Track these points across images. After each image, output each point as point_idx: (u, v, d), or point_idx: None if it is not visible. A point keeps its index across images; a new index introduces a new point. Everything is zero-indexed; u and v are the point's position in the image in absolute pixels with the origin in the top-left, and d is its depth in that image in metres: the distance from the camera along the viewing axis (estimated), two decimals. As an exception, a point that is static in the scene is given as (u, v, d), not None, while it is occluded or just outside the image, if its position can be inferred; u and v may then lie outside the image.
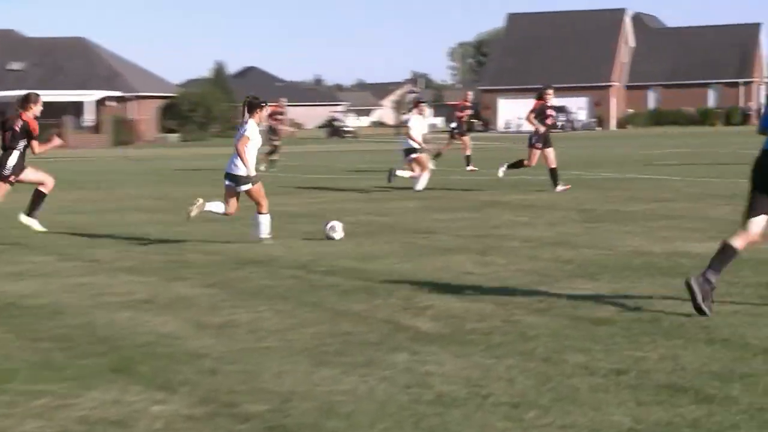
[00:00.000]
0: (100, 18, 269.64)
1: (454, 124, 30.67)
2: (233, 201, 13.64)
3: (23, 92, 15.14)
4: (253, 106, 13.64)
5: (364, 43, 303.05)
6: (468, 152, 29.42)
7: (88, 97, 75.32)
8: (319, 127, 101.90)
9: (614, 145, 50.46)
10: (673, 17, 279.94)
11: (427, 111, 22.92)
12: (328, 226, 13.84)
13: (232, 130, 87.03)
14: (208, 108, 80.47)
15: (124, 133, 73.46)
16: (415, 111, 22.68)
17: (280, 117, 32.66)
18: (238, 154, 13.33)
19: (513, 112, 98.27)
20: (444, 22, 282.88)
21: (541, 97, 21.36)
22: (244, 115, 13.66)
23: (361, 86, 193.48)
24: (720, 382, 6.24)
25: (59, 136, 15.73)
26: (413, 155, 21.89)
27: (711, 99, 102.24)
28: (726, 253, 8.27)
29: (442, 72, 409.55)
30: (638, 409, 5.75)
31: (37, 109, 14.08)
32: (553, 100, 21.54)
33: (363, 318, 8.48)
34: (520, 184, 23.29)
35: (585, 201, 18.69)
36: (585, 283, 9.87)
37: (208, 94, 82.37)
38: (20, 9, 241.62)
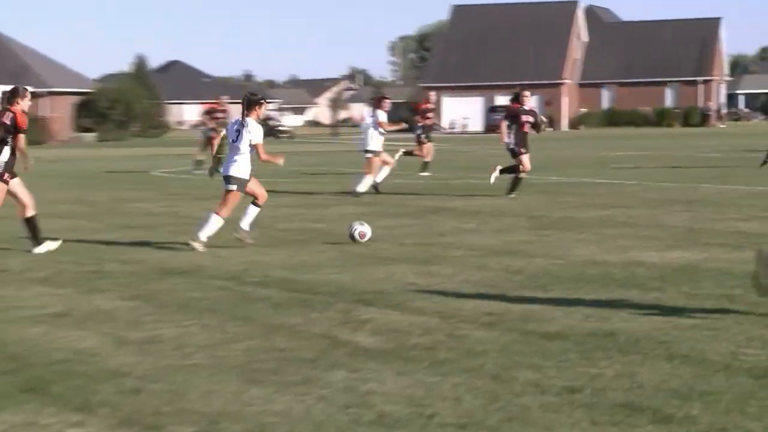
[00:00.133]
0: (8, 8, 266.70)
1: (419, 130, 30.47)
2: (259, 188, 13.89)
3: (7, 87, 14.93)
4: (251, 103, 13.85)
5: (298, 36, 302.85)
6: (428, 159, 29.61)
7: (-7, 92, 74.33)
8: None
9: (566, 147, 50.85)
10: (628, 11, 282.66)
11: (389, 106, 23.33)
12: (357, 232, 13.97)
13: (154, 129, 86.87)
14: (128, 105, 79.93)
15: (34, 132, 72.60)
16: (378, 107, 23.04)
17: (220, 116, 32.55)
18: (266, 161, 13.75)
19: (458, 111, 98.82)
20: (384, 15, 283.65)
21: (517, 99, 21.44)
22: (244, 114, 13.80)
23: (295, 82, 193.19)
24: (679, 401, 6.32)
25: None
26: (368, 155, 22.27)
27: (668, 98, 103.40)
28: None
29: (381, 68, 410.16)
30: (593, 430, 5.81)
31: (25, 104, 14.04)
32: (529, 103, 21.57)
33: (298, 333, 8.47)
34: (466, 188, 23.40)
35: (535, 207, 18.83)
36: (536, 294, 9.94)
37: (128, 90, 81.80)
38: None
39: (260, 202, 13.98)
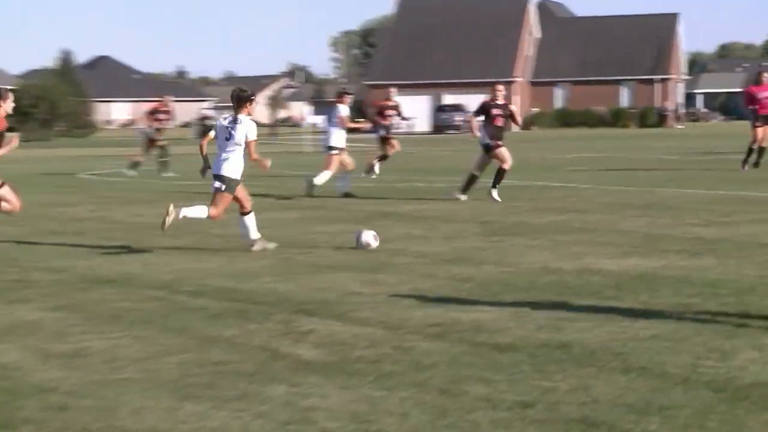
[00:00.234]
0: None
1: (382, 131, 30.35)
2: (242, 195, 14.02)
3: None
4: (242, 100, 14.02)
5: (235, 31, 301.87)
6: (387, 153, 29.69)
7: None
8: (185, 125, 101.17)
9: (518, 149, 50.95)
10: (582, 5, 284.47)
11: (350, 101, 23.60)
12: (363, 239, 14.10)
13: (81, 128, 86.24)
14: (52, 103, 79.36)
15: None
16: (339, 102, 23.39)
17: (163, 117, 32.46)
18: (255, 160, 13.84)
19: (404, 111, 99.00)
20: (326, 8, 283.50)
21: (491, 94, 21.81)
22: (235, 111, 14.02)
23: (231, 79, 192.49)
24: (636, 416, 6.37)
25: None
26: (333, 153, 22.62)
27: (624, 97, 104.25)
28: None
29: (323, 64, 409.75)
30: (547, 446, 5.84)
31: (8, 106, 14.00)
32: (501, 97, 21.75)
33: (235, 345, 8.46)
34: (413, 192, 23.45)
35: (486, 212, 18.91)
36: (487, 304, 9.97)
37: (52, 87, 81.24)
38: None
39: (247, 209, 14.06)
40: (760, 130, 28.45)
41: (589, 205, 19.98)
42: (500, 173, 21.08)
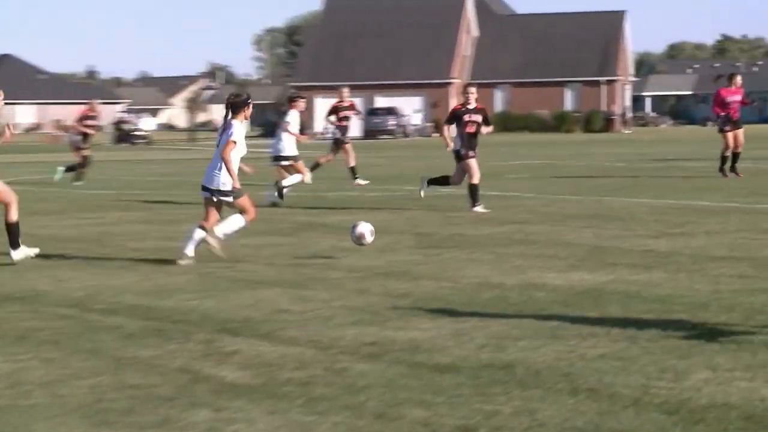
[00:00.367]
0: None
1: (338, 133, 30.15)
2: (212, 212, 14.28)
3: None
4: (237, 106, 14.25)
5: (150, 28, 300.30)
6: (352, 163, 29.61)
7: None
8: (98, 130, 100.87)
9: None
10: (523, 2, 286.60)
11: (302, 105, 23.73)
12: (358, 230, 14.30)
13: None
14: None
15: None
16: (291, 107, 23.61)
17: (91, 123, 32.32)
18: (224, 160, 13.98)
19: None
20: (249, 4, 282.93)
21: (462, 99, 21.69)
22: (226, 116, 14.23)
23: (146, 80, 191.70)
24: (585, 440, 6.41)
25: None
26: (284, 162, 22.91)
27: (568, 100, 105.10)
28: None
29: (245, 64, 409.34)
30: (490, 474, 5.86)
31: None
32: (473, 101, 21.55)
33: (154, 367, 8.41)
34: (344, 201, 23.45)
35: (422, 223, 18.95)
36: (424, 322, 10.00)
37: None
38: None
39: (208, 224, 14.25)
40: (731, 135, 28.73)
41: (531, 215, 20.09)
42: (472, 189, 20.74)
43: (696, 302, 10.67)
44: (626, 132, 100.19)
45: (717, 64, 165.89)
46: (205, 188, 14.26)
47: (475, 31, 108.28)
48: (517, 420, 6.83)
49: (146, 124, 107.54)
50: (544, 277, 12.44)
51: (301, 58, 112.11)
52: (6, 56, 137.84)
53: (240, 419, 6.94)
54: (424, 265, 13.80)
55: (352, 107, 30.61)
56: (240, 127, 14.20)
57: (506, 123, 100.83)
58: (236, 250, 14.94)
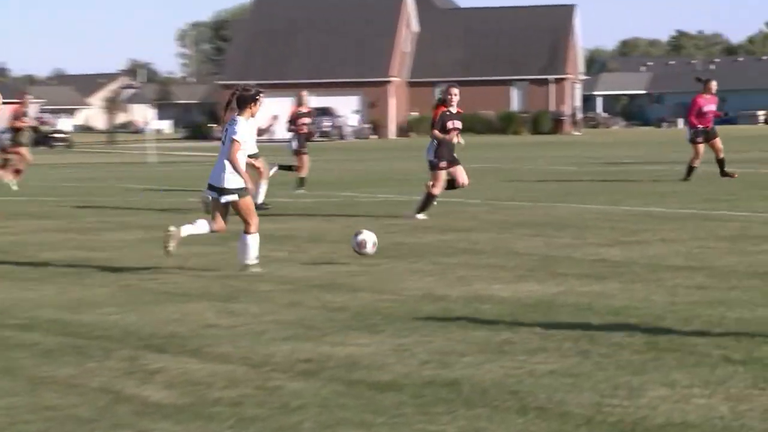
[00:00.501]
0: None
1: (294, 141, 29.72)
2: (219, 216, 14.25)
3: None
4: (244, 101, 14.16)
5: (64, 22, 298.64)
6: (304, 174, 29.29)
7: None
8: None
9: (395, 158, 51.41)
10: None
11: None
12: (360, 237, 14.47)
13: None
14: None
15: None
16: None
17: (26, 120, 32.07)
18: (231, 163, 13.92)
19: (263, 114, 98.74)
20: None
21: (444, 102, 21.60)
22: (226, 112, 14.27)
23: (61, 78, 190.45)
24: (536, 461, 6.45)
25: None
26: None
27: (515, 100, 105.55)
28: None
29: (169, 61, 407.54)
30: (435, 499, 5.88)
31: None
32: (455, 104, 21.52)
33: (72, 386, 8.36)
34: (276, 208, 23.40)
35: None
36: (363, 337, 10.01)
37: None
38: None
39: (222, 227, 14.34)
40: (701, 147, 28.90)
41: (476, 222, 20.16)
42: (428, 198, 20.80)
43: (652, 314, 10.75)
44: (576, 134, 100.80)
45: (672, 62, 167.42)
46: (211, 187, 14.21)
47: (415, 26, 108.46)
48: (462, 441, 6.86)
49: (64, 125, 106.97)
50: (490, 289, 12.48)
51: (228, 54, 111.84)
52: None
53: (166, 442, 6.93)
54: (363, 276, 13.81)
55: (310, 115, 30.42)
56: (245, 125, 14.06)
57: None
58: (160, 260, 14.89)
